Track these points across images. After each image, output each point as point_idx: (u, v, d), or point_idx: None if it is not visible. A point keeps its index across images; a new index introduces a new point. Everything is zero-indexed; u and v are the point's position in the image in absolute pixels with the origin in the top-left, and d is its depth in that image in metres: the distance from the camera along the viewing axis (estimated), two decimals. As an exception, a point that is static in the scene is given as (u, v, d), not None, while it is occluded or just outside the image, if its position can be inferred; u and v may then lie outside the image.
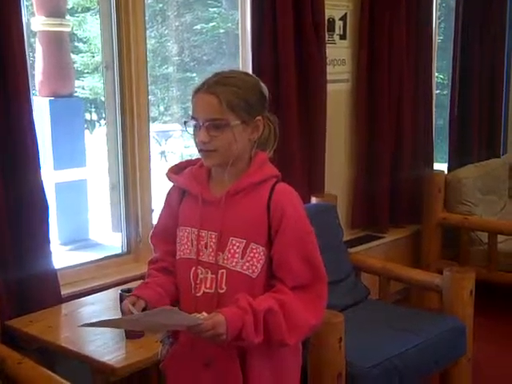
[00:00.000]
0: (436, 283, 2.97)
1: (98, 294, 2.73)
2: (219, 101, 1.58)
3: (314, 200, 3.33)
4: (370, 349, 2.58)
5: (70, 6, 6.61)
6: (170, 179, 1.77)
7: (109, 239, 3.80)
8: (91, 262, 2.99)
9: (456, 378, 2.90)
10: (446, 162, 4.78)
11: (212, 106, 1.59)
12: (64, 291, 2.66)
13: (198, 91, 1.62)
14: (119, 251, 3.11)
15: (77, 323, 2.32)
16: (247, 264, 1.63)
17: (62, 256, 3.45)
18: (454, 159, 4.68)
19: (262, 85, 1.69)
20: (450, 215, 4.13)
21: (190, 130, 1.65)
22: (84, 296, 2.70)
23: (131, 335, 2.20)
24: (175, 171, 1.76)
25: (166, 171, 1.77)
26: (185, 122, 1.66)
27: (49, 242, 2.57)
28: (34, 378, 2.06)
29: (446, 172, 4.46)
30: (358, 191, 4.00)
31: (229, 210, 1.65)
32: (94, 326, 1.60)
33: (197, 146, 1.65)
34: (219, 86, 1.60)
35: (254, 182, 1.66)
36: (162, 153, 7.40)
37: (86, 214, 4.24)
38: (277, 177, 1.71)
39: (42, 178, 2.53)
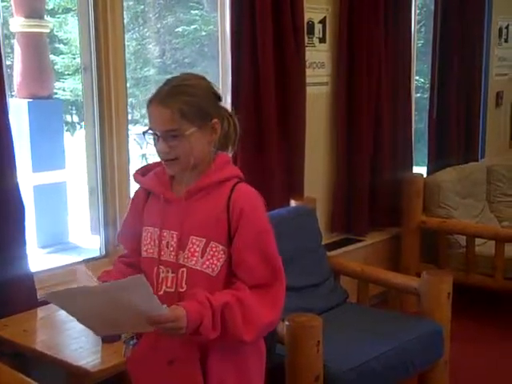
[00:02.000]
0: (414, 286, 2.98)
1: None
2: (172, 112, 1.61)
3: (293, 203, 3.34)
4: (348, 352, 2.59)
5: (50, 6, 6.57)
6: (135, 180, 1.81)
7: (88, 242, 3.77)
8: (69, 264, 2.96)
9: (433, 380, 2.92)
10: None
11: (166, 118, 1.62)
12: (41, 294, 2.63)
13: (151, 103, 1.65)
14: (97, 254, 3.09)
15: (53, 327, 2.31)
16: (207, 263, 1.66)
17: (40, 259, 3.43)
18: (433, 162, 4.71)
19: (214, 86, 1.73)
20: (429, 218, 4.15)
21: (150, 139, 1.67)
22: (61, 299, 2.67)
23: (107, 339, 2.18)
24: (142, 173, 1.80)
25: (133, 173, 1.81)
26: (143, 133, 1.67)
27: (25, 244, 2.55)
28: (8, 383, 2.04)
29: (425, 175, 4.50)
30: (338, 194, 4.01)
31: (189, 209, 1.68)
32: (52, 299, 1.57)
33: (158, 154, 1.68)
34: (171, 96, 1.62)
35: (213, 181, 1.69)
36: (143, 155, 7.38)
37: (66, 216, 4.22)
38: (238, 177, 1.74)
39: (18, 179, 2.51)
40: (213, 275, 1.66)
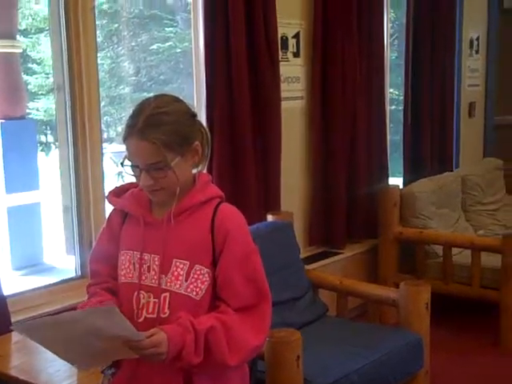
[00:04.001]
0: (392, 297, 2.99)
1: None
2: (154, 145, 1.54)
3: (270, 218, 3.34)
4: (328, 366, 2.57)
5: (23, 27, 6.54)
6: (110, 202, 1.74)
7: (63, 262, 3.74)
8: (43, 286, 2.92)
9: (414, 391, 2.92)
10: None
11: (148, 152, 1.55)
12: (15, 318, 2.58)
13: (129, 136, 1.57)
14: (73, 275, 3.05)
15: (28, 351, 2.27)
16: (191, 286, 1.61)
17: (15, 281, 3.38)
18: (408, 173, 4.75)
19: (189, 105, 1.67)
20: (406, 229, 4.17)
21: (129, 170, 1.61)
22: (37, 322, 2.63)
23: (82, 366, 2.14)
24: (116, 194, 1.73)
25: (107, 194, 1.75)
26: (121, 164, 1.61)
27: (-3, 267, 2.51)
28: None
29: (401, 186, 4.52)
30: (315, 208, 4.02)
31: (171, 231, 1.63)
32: (24, 332, 1.51)
33: (142, 186, 1.62)
34: (150, 128, 1.55)
35: (196, 202, 1.65)
36: (119, 173, 7.34)
37: (40, 237, 4.18)
38: (220, 197, 1.70)
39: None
40: (197, 299, 1.61)
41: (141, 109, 1.59)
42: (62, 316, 1.47)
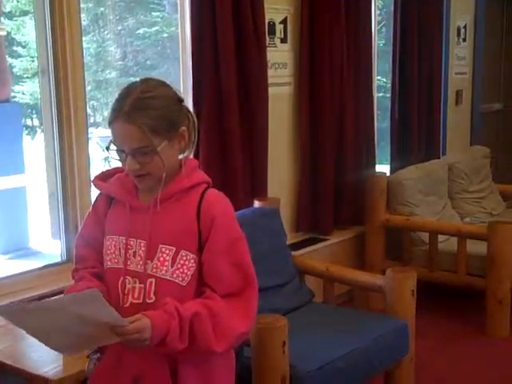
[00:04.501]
0: (378, 284, 3.00)
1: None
2: (140, 129, 1.53)
3: (256, 204, 3.33)
4: (314, 352, 2.58)
5: (7, 9, 6.45)
6: (96, 186, 1.72)
7: (49, 247, 3.71)
8: (29, 271, 2.91)
9: (399, 377, 2.94)
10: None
11: (134, 136, 1.53)
12: (0, 302, 2.57)
13: (114, 120, 1.55)
14: (59, 259, 3.04)
15: (13, 335, 2.25)
16: (177, 272, 1.60)
17: (1, 265, 3.36)
18: (395, 161, 4.76)
19: (176, 90, 1.65)
20: (393, 216, 4.18)
21: (114, 154, 1.59)
22: (22, 307, 2.62)
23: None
24: (102, 178, 1.72)
25: (93, 178, 1.73)
26: (106, 148, 1.59)
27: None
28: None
29: (388, 174, 4.53)
30: (302, 194, 4.01)
31: (158, 217, 1.62)
32: (7, 316, 1.48)
33: (128, 171, 1.61)
34: (136, 111, 1.53)
35: (182, 188, 1.63)
36: (106, 158, 7.30)
37: (26, 221, 4.15)
38: (207, 183, 1.69)
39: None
40: (183, 285, 1.60)
41: (127, 92, 1.58)
42: (46, 302, 1.48)
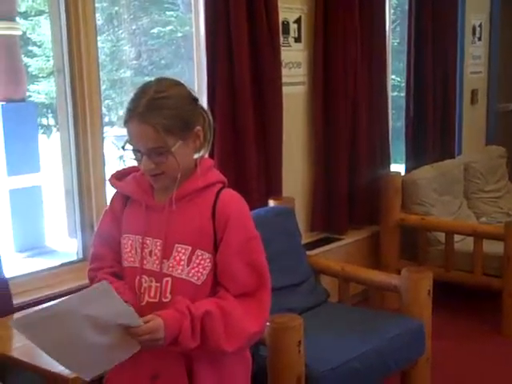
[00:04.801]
0: (394, 284, 2.98)
1: (53, 302, 2.66)
2: (155, 129, 1.53)
3: (271, 203, 3.32)
4: (330, 351, 2.57)
5: (23, 9, 6.49)
6: (112, 185, 1.73)
7: (65, 246, 3.73)
8: (46, 269, 2.92)
9: (416, 378, 2.92)
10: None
11: (149, 136, 1.54)
12: (17, 300, 2.59)
13: (129, 120, 1.56)
14: (75, 258, 3.05)
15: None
16: (193, 271, 1.60)
17: (17, 263, 3.38)
18: (410, 160, 4.74)
19: (191, 90, 1.65)
20: (408, 216, 4.16)
21: (130, 154, 1.60)
22: (38, 305, 2.62)
23: None
24: (118, 177, 1.72)
25: (109, 177, 1.74)
26: (122, 148, 1.60)
27: (-1, 250, 2.50)
28: (-16, 392, 2.01)
29: (403, 173, 4.51)
30: (316, 194, 4.00)
31: (173, 216, 1.62)
32: (22, 330, 1.45)
33: (143, 170, 1.61)
34: (151, 111, 1.53)
35: (197, 187, 1.64)
36: (121, 157, 7.33)
37: (42, 220, 4.17)
38: (222, 182, 1.69)
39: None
40: (198, 284, 1.61)
41: (142, 92, 1.58)
42: (57, 305, 1.45)
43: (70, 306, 1.45)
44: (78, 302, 1.44)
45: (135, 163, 1.64)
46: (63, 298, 1.52)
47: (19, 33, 4.14)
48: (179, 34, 7.30)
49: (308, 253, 3.37)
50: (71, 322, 1.43)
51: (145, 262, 1.63)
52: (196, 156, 1.66)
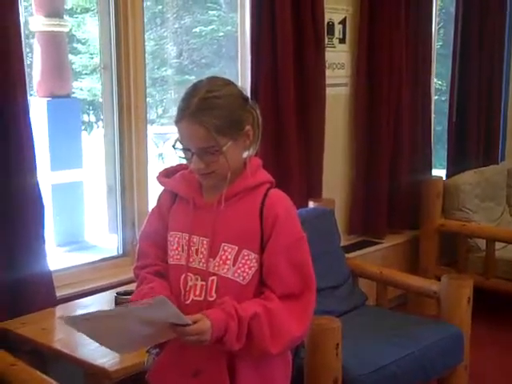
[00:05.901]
0: (433, 290, 2.95)
1: (94, 296, 2.71)
2: (206, 129, 1.53)
3: (311, 204, 3.31)
4: (367, 355, 2.56)
5: (69, 6, 6.60)
6: (160, 183, 1.73)
7: (105, 241, 3.78)
8: (87, 263, 2.97)
9: (453, 385, 2.88)
10: (444, 168, 4.77)
11: (200, 136, 1.54)
12: (59, 293, 2.64)
13: (181, 119, 1.55)
14: (115, 253, 3.09)
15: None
16: (238, 271, 1.60)
17: (57, 257, 3.43)
18: (452, 165, 4.67)
19: (241, 89, 1.64)
20: (448, 221, 4.11)
21: (180, 153, 1.60)
22: (79, 298, 2.68)
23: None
24: (166, 175, 1.73)
25: (157, 175, 1.74)
26: (173, 147, 1.60)
27: (44, 243, 2.55)
28: (26, 381, 2.04)
29: (444, 178, 4.45)
30: (356, 196, 3.98)
31: (221, 215, 1.62)
32: (73, 324, 1.50)
33: (193, 170, 1.61)
34: (202, 111, 1.53)
35: (246, 187, 1.63)
36: (160, 155, 7.39)
37: (82, 215, 4.23)
38: (270, 182, 1.68)
39: (38, 178, 2.50)
40: (243, 284, 1.60)
41: (193, 91, 1.58)
42: (113, 311, 1.49)
43: (124, 314, 1.49)
44: (136, 313, 1.47)
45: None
46: (122, 307, 1.53)
47: (66, 30, 4.20)
48: (220, 34, 7.34)
49: (346, 255, 3.35)
50: (123, 322, 1.46)
51: (191, 260, 1.63)
52: (245, 155, 1.66)
